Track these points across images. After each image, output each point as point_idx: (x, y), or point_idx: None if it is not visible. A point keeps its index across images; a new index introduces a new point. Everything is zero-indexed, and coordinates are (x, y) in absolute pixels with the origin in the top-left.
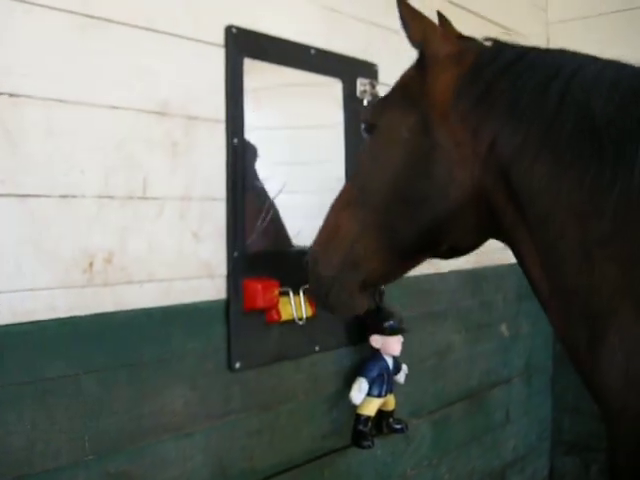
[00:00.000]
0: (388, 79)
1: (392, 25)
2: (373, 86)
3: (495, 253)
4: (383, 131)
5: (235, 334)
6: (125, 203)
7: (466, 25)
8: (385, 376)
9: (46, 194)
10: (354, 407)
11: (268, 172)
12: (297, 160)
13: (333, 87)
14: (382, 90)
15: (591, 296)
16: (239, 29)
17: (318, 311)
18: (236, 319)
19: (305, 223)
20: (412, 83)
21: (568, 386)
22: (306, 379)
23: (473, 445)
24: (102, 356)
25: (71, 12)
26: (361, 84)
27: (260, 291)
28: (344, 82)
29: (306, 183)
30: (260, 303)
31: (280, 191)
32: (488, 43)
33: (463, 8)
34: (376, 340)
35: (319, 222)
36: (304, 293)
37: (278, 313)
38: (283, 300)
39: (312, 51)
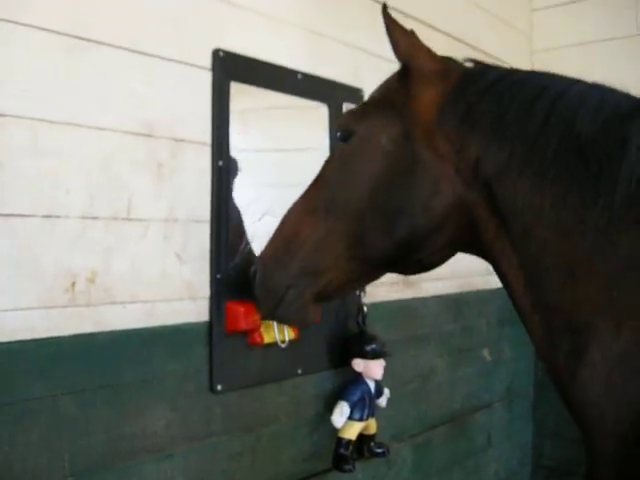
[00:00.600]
0: None
1: (378, 51)
2: None
3: (477, 278)
4: (362, 139)
5: (217, 356)
6: (109, 224)
7: (451, 52)
8: (367, 400)
9: (30, 213)
10: (335, 430)
11: (254, 194)
12: (283, 182)
13: (319, 111)
14: None
15: (573, 312)
16: (226, 53)
17: (301, 334)
18: (218, 341)
19: None
20: (395, 95)
21: (549, 411)
22: (288, 402)
23: (455, 469)
24: (82, 377)
25: (59, 33)
26: (347, 109)
27: (243, 313)
28: (330, 106)
29: None
30: (242, 325)
31: (265, 214)
32: (469, 64)
33: (448, 35)
34: (358, 364)
35: None
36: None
37: (260, 336)
38: (265, 323)
39: (299, 75)
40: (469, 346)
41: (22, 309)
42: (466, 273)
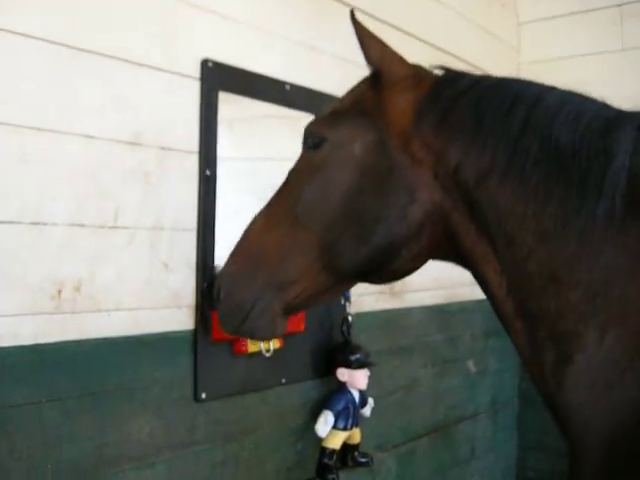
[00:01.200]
0: None
1: (365, 62)
2: None
3: (463, 289)
4: (333, 147)
5: (202, 365)
6: (96, 232)
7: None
8: (351, 409)
9: (17, 220)
10: (319, 440)
11: (241, 203)
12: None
13: (307, 121)
14: None
15: (557, 319)
16: (215, 63)
17: (285, 344)
18: (203, 350)
19: None
20: (366, 101)
21: (534, 423)
22: (272, 411)
23: None
24: (66, 384)
25: (47, 41)
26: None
27: None
28: None
29: None
30: (227, 334)
31: None
32: (438, 71)
33: (436, 47)
34: (342, 373)
35: None
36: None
37: (245, 345)
38: None
39: (287, 86)
40: (454, 357)
41: (7, 315)
42: (451, 284)
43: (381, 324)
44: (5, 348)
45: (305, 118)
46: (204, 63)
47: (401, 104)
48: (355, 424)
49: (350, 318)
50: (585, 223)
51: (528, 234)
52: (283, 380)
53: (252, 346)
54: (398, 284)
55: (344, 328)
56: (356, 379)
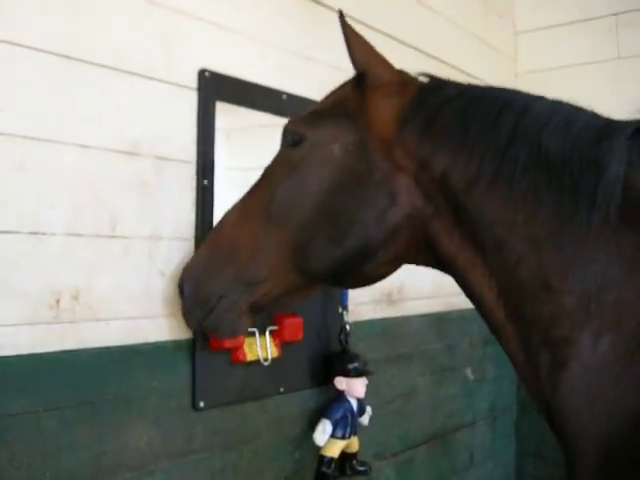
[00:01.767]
0: None
1: None
2: None
3: (461, 297)
4: (313, 146)
5: (200, 373)
6: (93, 241)
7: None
8: (349, 418)
9: (15, 230)
10: (318, 448)
11: None
12: None
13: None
14: None
15: (551, 325)
16: (212, 73)
17: (284, 353)
18: (201, 358)
19: None
20: (349, 102)
21: (532, 430)
22: (270, 420)
23: None
24: (64, 393)
25: (45, 51)
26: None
27: None
28: None
29: None
30: (226, 343)
31: None
32: (423, 78)
33: (433, 57)
34: (340, 382)
35: None
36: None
37: (244, 353)
38: (249, 340)
39: (284, 96)
40: (452, 365)
41: (6, 325)
42: (449, 292)
43: (379, 332)
44: (4, 357)
45: None
46: (201, 73)
47: (384, 109)
48: (353, 433)
49: (348, 327)
50: (578, 231)
51: (518, 240)
52: (281, 389)
53: (250, 355)
54: (395, 293)
55: (342, 337)
56: (354, 388)
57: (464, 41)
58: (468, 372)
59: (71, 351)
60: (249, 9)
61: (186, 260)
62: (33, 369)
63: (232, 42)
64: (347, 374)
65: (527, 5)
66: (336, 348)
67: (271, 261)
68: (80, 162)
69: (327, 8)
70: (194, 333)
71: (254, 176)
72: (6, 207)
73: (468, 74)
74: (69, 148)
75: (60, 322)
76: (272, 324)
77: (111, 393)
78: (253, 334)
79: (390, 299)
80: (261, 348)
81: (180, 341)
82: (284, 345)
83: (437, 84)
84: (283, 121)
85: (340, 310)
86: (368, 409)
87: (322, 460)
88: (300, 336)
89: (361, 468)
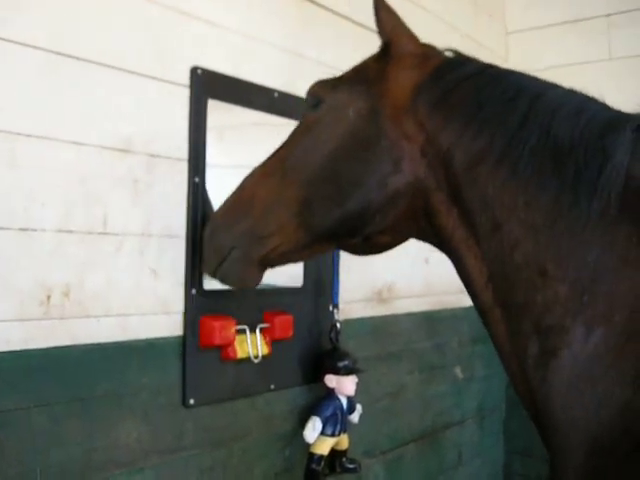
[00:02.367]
0: None
1: None
2: None
3: (450, 296)
4: (330, 108)
5: (190, 370)
6: (85, 238)
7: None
8: (339, 415)
9: (6, 226)
10: (307, 446)
11: None
12: None
13: None
14: None
15: (543, 313)
16: (204, 70)
17: (274, 350)
18: (192, 356)
19: None
20: (370, 70)
21: (520, 429)
22: (260, 417)
23: None
24: (55, 390)
25: (37, 48)
26: None
27: (217, 328)
28: None
29: None
30: (216, 340)
31: None
32: (449, 53)
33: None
34: (330, 380)
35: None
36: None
37: (234, 351)
38: (239, 338)
39: (275, 94)
40: (441, 363)
41: None
42: (439, 291)
43: (369, 331)
44: None
45: (293, 125)
46: (193, 71)
47: (402, 79)
48: (343, 430)
49: (338, 325)
50: (577, 219)
51: (516, 223)
52: (272, 386)
53: (240, 352)
54: (385, 291)
55: (332, 335)
56: (344, 385)
57: (455, 41)
58: (457, 371)
59: (62, 347)
60: (242, 7)
61: (177, 257)
62: (24, 365)
63: (224, 40)
64: (337, 372)
65: (518, 5)
66: (326, 346)
67: (280, 217)
68: (72, 159)
69: (319, 6)
70: (184, 330)
71: (246, 173)
72: None
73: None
74: (61, 145)
75: (51, 318)
76: (263, 321)
77: (101, 390)
78: (244, 331)
79: (380, 297)
80: (251, 345)
81: (171, 338)
82: (274, 342)
83: (459, 60)
84: (275, 119)
85: (330, 308)
86: (358, 407)
87: (312, 457)
88: (290, 334)
89: (350, 466)
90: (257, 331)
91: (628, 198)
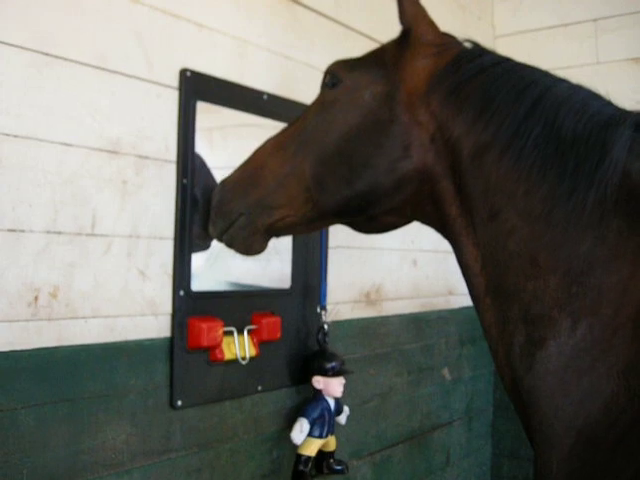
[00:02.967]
0: None
1: None
2: None
3: (439, 298)
4: (346, 89)
5: (178, 372)
6: (73, 239)
7: None
8: (326, 417)
9: None
10: (295, 447)
11: None
12: None
13: None
14: None
15: (532, 301)
16: (193, 72)
17: (262, 351)
18: (179, 357)
19: (252, 263)
20: (389, 55)
21: (508, 431)
22: (248, 418)
23: None
24: (42, 391)
25: (25, 48)
26: None
27: (204, 330)
28: None
29: None
30: (204, 342)
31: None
32: (468, 44)
33: None
34: (318, 381)
35: (268, 263)
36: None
37: (222, 352)
38: (227, 340)
39: (265, 96)
40: (429, 365)
41: None
42: (427, 293)
43: (357, 332)
44: None
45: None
46: (182, 72)
47: (419, 67)
48: (330, 432)
49: (326, 326)
50: (572, 211)
51: (514, 211)
52: (259, 387)
53: (228, 353)
54: (374, 293)
55: (320, 336)
56: (331, 387)
57: None
58: (445, 372)
59: (49, 348)
60: (231, 9)
61: (165, 259)
62: (11, 366)
63: (213, 42)
64: (325, 373)
65: (507, 9)
66: (314, 347)
67: (290, 189)
68: (61, 160)
69: (308, 9)
70: (172, 332)
71: None
72: None
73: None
74: (49, 146)
75: (39, 319)
76: (250, 323)
77: (89, 391)
78: (231, 333)
79: (368, 299)
80: (239, 347)
81: (158, 339)
82: (262, 344)
83: (477, 52)
84: (264, 121)
85: (318, 310)
86: (345, 409)
87: (299, 459)
88: (278, 335)
89: (338, 467)
90: (245, 333)
91: (622, 193)
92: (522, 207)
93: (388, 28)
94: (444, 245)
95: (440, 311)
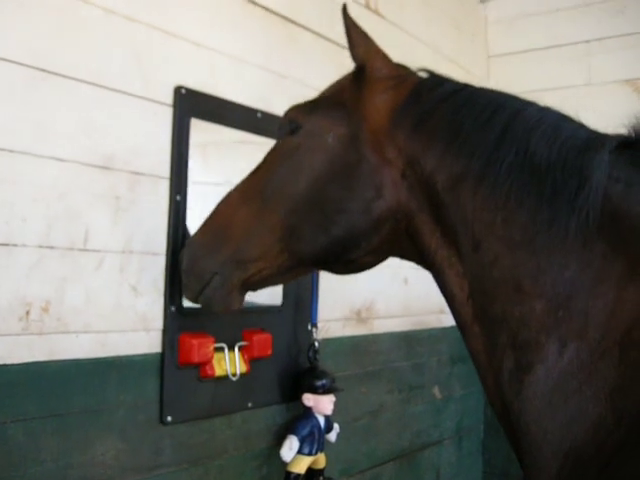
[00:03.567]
0: None
1: None
2: None
3: (430, 316)
4: (308, 134)
5: (168, 388)
6: (65, 254)
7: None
8: (316, 434)
9: None
10: (284, 464)
11: None
12: None
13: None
14: None
15: (520, 327)
16: (188, 90)
17: (252, 368)
18: (170, 373)
19: None
20: (346, 95)
21: (498, 450)
22: (237, 435)
23: None
24: (32, 405)
25: (20, 64)
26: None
27: (195, 346)
28: None
29: None
30: (195, 358)
31: None
32: (423, 73)
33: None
34: (308, 398)
35: None
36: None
37: (212, 368)
38: (218, 356)
39: (258, 114)
40: (420, 383)
41: None
42: (418, 311)
43: (348, 350)
44: None
45: None
46: (177, 90)
47: (379, 103)
48: (320, 449)
49: (317, 344)
50: (554, 237)
51: (495, 240)
52: (249, 404)
53: (219, 370)
54: (364, 311)
55: (310, 354)
56: (322, 404)
57: (438, 64)
58: (435, 391)
59: (40, 363)
60: (226, 27)
61: (157, 275)
62: (2, 380)
63: (208, 60)
64: (315, 391)
65: (500, 30)
66: (305, 365)
67: (263, 242)
68: (54, 175)
69: (302, 27)
70: (163, 348)
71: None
72: None
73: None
74: (43, 161)
75: (30, 334)
76: (241, 340)
77: (79, 405)
78: (222, 349)
79: (359, 317)
80: (230, 363)
81: (149, 355)
82: (253, 361)
83: (434, 81)
84: (258, 139)
85: (309, 327)
86: (336, 426)
87: (289, 476)
88: (269, 352)
89: None
90: (236, 349)
91: (605, 218)
92: (502, 235)
93: (382, 47)
94: None
95: (431, 329)
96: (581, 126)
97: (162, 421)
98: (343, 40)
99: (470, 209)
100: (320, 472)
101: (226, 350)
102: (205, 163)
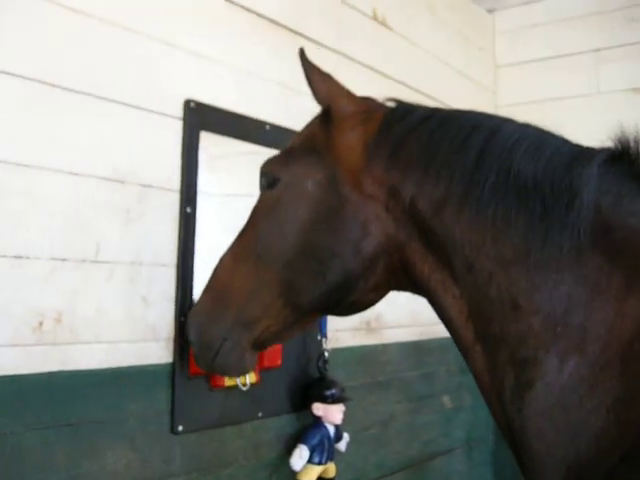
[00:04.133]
0: None
1: None
2: None
3: (439, 326)
4: (287, 185)
5: (179, 398)
6: (77, 266)
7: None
8: (326, 444)
9: (1, 254)
10: (294, 474)
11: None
12: None
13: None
14: None
15: (518, 345)
16: (197, 103)
17: (262, 378)
18: (181, 383)
19: None
20: (317, 139)
21: (508, 459)
22: (248, 444)
23: None
24: (46, 415)
25: (31, 79)
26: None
27: None
28: None
29: None
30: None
31: None
32: (391, 103)
33: (416, 90)
34: (318, 408)
35: None
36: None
37: (222, 379)
38: None
39: (267, 127)
40: (429, 393)
41: None
42: (427, 321)
43: (357, 360)
44: None
45: None
46: (187, 103)
47: (350, 141)
48: (330, 459)
49: (326, 354)
50: (548, 253)
51: (487, 260)
52: (259, 414)
53: (229, 380)
54: (374, 321)
55: (320, 363)
56: (331, 414)
57: (445, 74)
58: (445, 400)
59: (53, 373)
60: (235, 41)
61: (167, 286)
62: (15, 390)
63: (217, 73)
64: (324, 400)
65: (508, 39)
66: (314, 375)
67: (264, 300)
68: (65, 188)
69: (310, 40)
70: (173, 358)
71: (236, 203)
72: None
73: (449, 106)
74: (55, 175)
75: (43, 344)
76: None
77: (91, 415)
78: None
79: (369, 327)
80: None
81: (160, 365)
82: (263, 371)
83: (403, 110)
84: (266, 150)
85: (319, 337)
86: (345, 435)
87: None
88: (279, 362)
89: None
90: None
91: (598, 232)
92: (494, 254)
93: (390, 59)
94: None
95: (441, 339)
96: (565, 141)
97: (173, 431)
98: (351, 52)
99: (458, 232)
100: None
101: None
102: (214, 175)
